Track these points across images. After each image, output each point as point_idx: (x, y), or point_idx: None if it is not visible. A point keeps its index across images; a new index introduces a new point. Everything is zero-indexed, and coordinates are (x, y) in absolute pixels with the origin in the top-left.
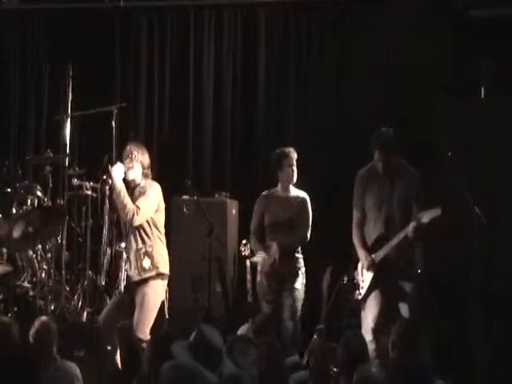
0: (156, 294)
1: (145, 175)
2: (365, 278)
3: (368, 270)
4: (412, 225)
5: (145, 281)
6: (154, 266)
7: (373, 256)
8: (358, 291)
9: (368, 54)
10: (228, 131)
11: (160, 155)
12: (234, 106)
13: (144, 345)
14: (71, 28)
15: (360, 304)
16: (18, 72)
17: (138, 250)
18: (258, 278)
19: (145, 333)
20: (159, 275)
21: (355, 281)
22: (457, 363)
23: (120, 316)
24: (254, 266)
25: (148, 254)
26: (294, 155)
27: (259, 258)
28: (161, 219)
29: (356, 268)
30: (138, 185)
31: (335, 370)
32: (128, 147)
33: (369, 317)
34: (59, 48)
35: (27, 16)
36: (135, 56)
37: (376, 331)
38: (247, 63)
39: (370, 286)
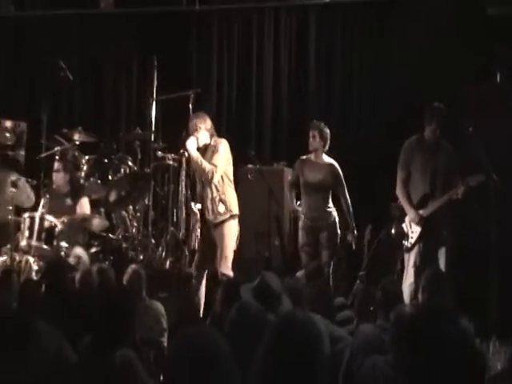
0: (231, 232)
1: (211, 135)
2: (413, 229)
3: (418, 224)
4: (461, 187)
5: (221, 223)
6: (227, 209)
7: (420, 212)
8: (408, 241)
9: (402, 45)
10: (285, 112)
11: (228, 131)
12: (289, 92)
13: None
14: (156, 27)
15: (408, 252)
16: (112, 64)
17: (213, 198)
18: (299, 232)
19: (228, 268)
20: (232, 216)
21: (405, 231)
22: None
23: (207, 262)
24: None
25: (222, 201)
26: (314, 128)
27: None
28: (230, 170)
29: (400, 222)
30: (209, 144)
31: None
32: (192, 121)
33: (411, 262)
34: (146, 43)
35: (119, 17)
36: (208, 50)
37: (417, 275)
38: (300, 53)
39: (418, 237)
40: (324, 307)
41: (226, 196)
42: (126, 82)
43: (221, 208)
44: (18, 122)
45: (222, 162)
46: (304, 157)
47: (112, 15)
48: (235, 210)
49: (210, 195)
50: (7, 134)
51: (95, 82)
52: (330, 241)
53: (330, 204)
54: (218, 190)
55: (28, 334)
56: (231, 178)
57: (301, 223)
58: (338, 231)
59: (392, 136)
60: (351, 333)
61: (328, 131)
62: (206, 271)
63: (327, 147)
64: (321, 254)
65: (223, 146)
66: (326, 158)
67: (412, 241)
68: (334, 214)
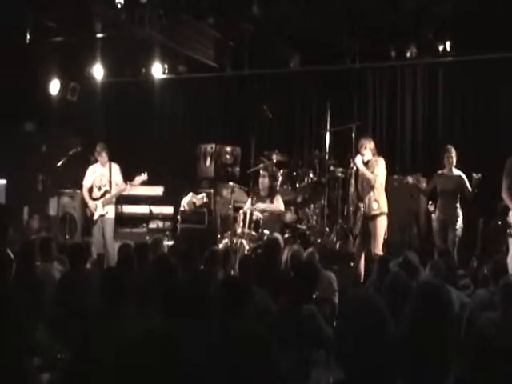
0: (381, 225)
1: (373, 153)
2: None
3: None
4: None
5: (374, 216)
6: (379, 207)
7: None
8: (510, 229)
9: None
10: (420, 138)
11: (380, 152)
12: (423, 124)
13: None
14: (328, 79)
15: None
16: (298, 106)
17: (370, 197)
18: (433, 224)
19: (379, 249)
20: (382, 213)
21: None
22: None
23: (365, 245)
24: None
25: (376, 200)
26: (448, 151)
27: None
28: (384, 180)
29: (507, 215)
30: (370, 160)
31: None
32: (361, 141)
33: None
34: (322, 91)
35: (303, 73)
36: (365, 95)
37: None
38: (431, 96)
39: None
40: (450, 276)
41: (380, 198)
42: (308, 118)
43: (374, 205)
44: (234, 148)
45: (381, 172)
46: (440, 171)
47: (298, 72)
48: (385, 209)
49: (368, 195)
50: (227, 156)
51: (287, 119)
52: (455, 231)
53: (458, 205)
54: (374, 193)
55: (245, 294)
56: (384, 185)
57: (435, 218)
58: (461, 225)
59: (499, 154)
60: (469, 295)
61: (455, 152)
62: (364, 251)
63: (455, 163)
64: (448, 239)
65: (381, 161)
66: (456, 171)
67: None
68: (460, 212)
